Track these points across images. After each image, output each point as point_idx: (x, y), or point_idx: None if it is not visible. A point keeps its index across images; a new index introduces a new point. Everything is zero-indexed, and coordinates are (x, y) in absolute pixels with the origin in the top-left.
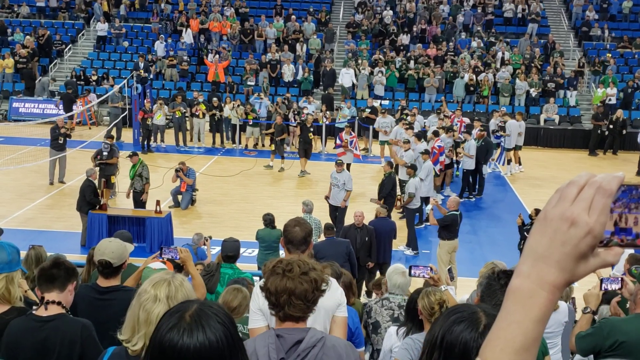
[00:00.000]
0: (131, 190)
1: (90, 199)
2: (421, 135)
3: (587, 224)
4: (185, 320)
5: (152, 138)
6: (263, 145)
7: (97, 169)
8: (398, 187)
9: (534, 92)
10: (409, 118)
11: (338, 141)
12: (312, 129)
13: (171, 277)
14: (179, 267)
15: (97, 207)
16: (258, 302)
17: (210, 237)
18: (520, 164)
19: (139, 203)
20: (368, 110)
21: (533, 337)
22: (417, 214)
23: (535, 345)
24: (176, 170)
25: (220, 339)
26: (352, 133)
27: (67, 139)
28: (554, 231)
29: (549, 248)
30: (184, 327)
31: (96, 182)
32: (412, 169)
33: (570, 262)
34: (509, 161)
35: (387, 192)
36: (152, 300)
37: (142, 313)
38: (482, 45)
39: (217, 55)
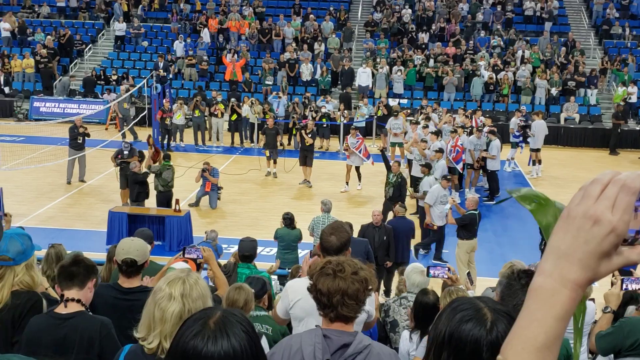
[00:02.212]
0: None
1: (143, 178)
2: (438, 133)
3: (610, 222)
4: (210, 327)
5: (172, 138)
6: (281, 145)
7: (137, 162)
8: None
9: (554, 91)
10: (425, 114)
11: (345, 144)
12: (309, 134)
13: (186, 275)
14: (199, 267)
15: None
16: (287, 303)
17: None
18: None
19: (162, 203)
20: (383, 106)
21: (555, 335)
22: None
23: (557, 344)
24: (202, 171)
25: (244, 347)
26: (359, 135)
27: (86, 137)
28: (577, 229)
29: (571, 246)
30: (208, 334)
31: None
32: (427, 167)
33: (593, 261)
34: (534, 162)
35: (405, 192)
36: (167, 299)
37: (157, 311)
38: (501, 43)
39: (235, 55)
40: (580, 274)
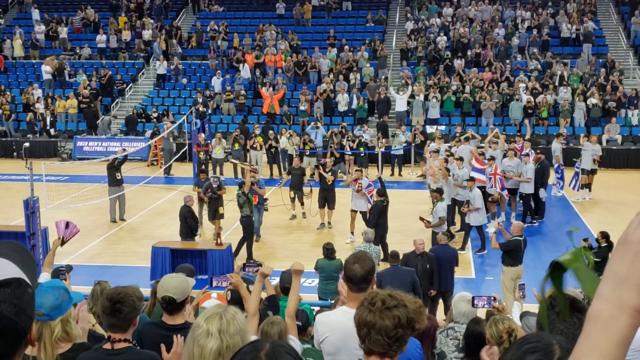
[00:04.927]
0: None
1: (191, 224)
2: (461, 159)
3: None
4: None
5: (212, 171)
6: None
7: (194, 195)
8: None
9: (594, 100)
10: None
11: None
12: (329, 171)
13: (223, 310)
14: (239, 303)
15: (197, 233)
16: (317, 337)
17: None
18: (587, 189)
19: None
20: (419, 133)
21: None
22: (480, 240)
23: None
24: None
25: None
26: (368, 181)
27: (121, 166)
28: (635, 254)
29: (629, 271)
30: None
31: (194, 207)
32: (439, 192)
33: None
34: (584, 186)
35: (375, 221)
36: (205, 335)
37: (196, 348)
38: (538, 66)
39: (271, 88)
40: (639, 299)
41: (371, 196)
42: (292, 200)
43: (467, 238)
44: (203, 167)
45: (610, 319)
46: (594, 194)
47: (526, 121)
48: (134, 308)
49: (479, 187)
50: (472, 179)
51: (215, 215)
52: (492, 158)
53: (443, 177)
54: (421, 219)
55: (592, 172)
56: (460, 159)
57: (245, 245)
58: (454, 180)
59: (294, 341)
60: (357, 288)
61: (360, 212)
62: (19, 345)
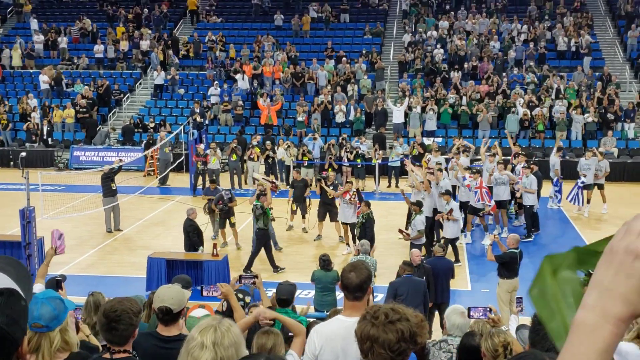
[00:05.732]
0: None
1: (194, 239)
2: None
3: None
4: None
5: (204, 181)
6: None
7: (198, 208)
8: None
9: (589, 118)
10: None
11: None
12: (331, 186)
13: (218, 322)
14: (228, 314)
15: (200, 249)
16: (313, 349)
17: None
18: (588, 203)
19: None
20: (418, 145)
21: None
22: (455, 251)
23: None
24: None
25: None
26: (356, 193)
27: (114, 176)
28: (619, 264)
29: (614, 281)
30: None
31: (197, 220)
32: (418, 205)
33: (635, 296)
34: (589, 200)
35: (372, 233)
36: (199, 348)
37: None
38: (535, 79)
39: (268, 99)
40: (622, 309)
41: (357, 208)
42: (294, 212)
43: (456, 249)
44: (214, 177)
45: (595, 328)
46: (591, 206)
47: (507, 132)
48: (131, 324)
49: (464, 202)
50: (448, 192)
51: (225, 225)
52: (478, 172)
53: (425, 188)
54: (400, 231)
55: (599, 186)
56: (441, 170)
57: (252, 254)
58: (438, 189)
59: (293, 356)
60: (352, 297)
61: (348, 223)
62: (9, 356)
